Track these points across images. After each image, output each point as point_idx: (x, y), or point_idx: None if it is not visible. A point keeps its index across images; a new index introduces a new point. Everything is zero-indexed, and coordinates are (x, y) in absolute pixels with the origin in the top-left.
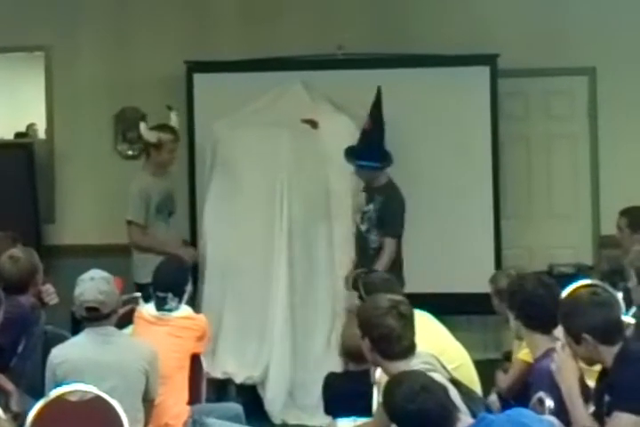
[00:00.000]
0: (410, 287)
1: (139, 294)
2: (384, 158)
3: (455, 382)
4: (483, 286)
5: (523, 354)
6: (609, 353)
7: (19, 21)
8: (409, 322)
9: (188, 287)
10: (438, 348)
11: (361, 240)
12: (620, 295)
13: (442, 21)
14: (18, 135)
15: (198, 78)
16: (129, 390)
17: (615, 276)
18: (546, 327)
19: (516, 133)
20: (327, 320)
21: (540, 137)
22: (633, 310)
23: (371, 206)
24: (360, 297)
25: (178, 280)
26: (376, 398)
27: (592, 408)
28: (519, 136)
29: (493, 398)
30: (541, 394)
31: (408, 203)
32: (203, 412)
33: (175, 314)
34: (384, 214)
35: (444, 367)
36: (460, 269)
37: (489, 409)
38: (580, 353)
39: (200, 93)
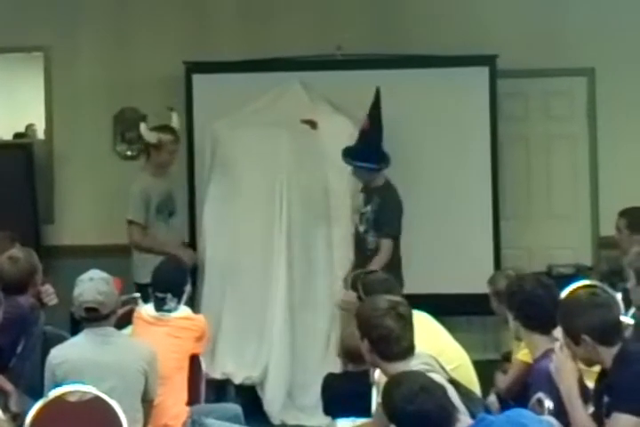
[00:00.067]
0: (409, 288)
1: (138, 295)
2: (382, 160)
3: (454, 382)
4: (482, 287)
5: (522, 355)
6: (608, 354)
7: (18, 22)
8: (408, 323)
9: (187, 288)
10: (437, 348)
11: (359, 241)
12: (619, 296)
13: (441, 22)
14: (17, 136)
15: (197, 79)
16: (128, 391)
17: (614, 276)
18: (545, 328)
19: (515, 134)
20: (326, 321)
21: (539, 137)
22: (632, 310)
23: (368, 208)
24: (359, 297)
25: (177, 281)
26: (375, 398)
27: (591, 409)
28: (518, 137)
29: (492, 398)
30: (540, 395)
31: (407, 203)
32: (202, 412)
33: (174, 314)
34: (380, 215)
35: (443, 368)
36: (460, 269)
37: (488, 410)
38: (579, 354)
39: (199, 94)
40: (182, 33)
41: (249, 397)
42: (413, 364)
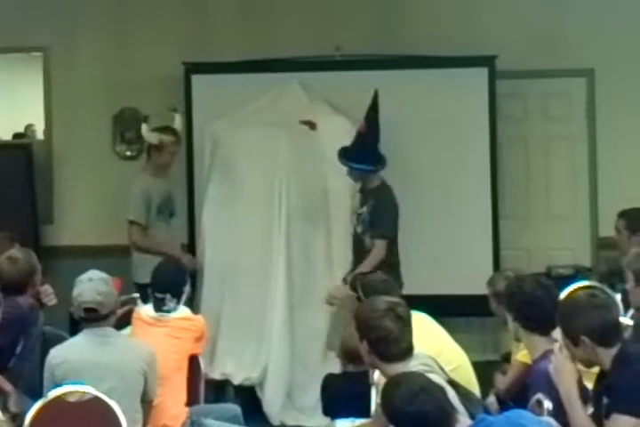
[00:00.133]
0: (408, 289)
1: (137, 295)
2: (378, 162)
3: (453, 383)
4: (481, 288)
5: (521, 356)
6: (607, 355)
7: (17, 22)
8: (406, 324)
9: (187, 288)
10: (436, 349)
11: (357, 242)
12: (618, 297)
13: (440, 23)
14: (16, 136)
15: (197, 79)
16: (127, 391)
17: (613, 277)
18: (544, 329)
19: (514, 135)
20: (325, 321)
21: (538, 138)
22: (631, 311)
23: (364, 209)
24: (358, 298)
25: (176, 281)
26: (374, 399)
27: (590, 410)
28: (517, 137)
29: (492, 399)
30: (540, 396)
31: (407, 204)
32: (201, 413)
33: (173, 315)
34: (375, 216)
35: (442, 369)
36: (459, 270)
37: (487, 411)
38: (578, 355)
39: (198, 94)
40: (182, 33)
41: (248, 397)
42: (412, 365)
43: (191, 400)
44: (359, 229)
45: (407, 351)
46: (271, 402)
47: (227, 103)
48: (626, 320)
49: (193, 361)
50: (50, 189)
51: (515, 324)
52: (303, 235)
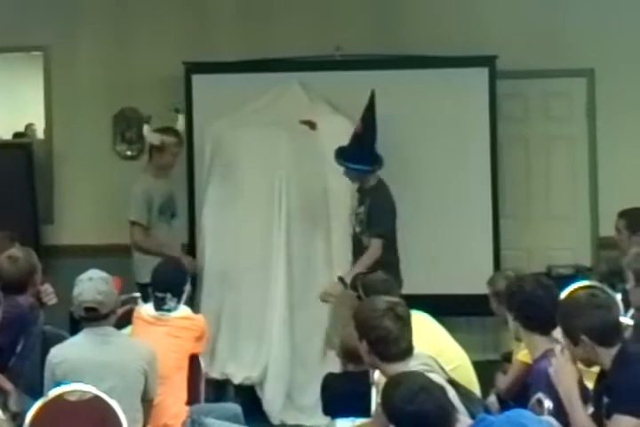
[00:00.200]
0: (408, 288)
1: (137, 294)
2: (375, 162)
3: (453, 383)
4: (481, 287)
5: (522, 355)
6: (606, 355)
7: (17, 21)
8: (406, 324)
9: (187, 287)
10: (436, 349)
11: (356, 241)
12: (618, 297)
13: (440, 23)
14: (16, 135)
15: (197, 79)
16: (128, 391)
17: (614, 277)
18: (544, 328)
19: (514, 135)
20: (325, 320)
21: (538, 138)
22: (631, 311)
23: (362, 208)
24: (359, 297)
25: (176, 280)
26: (375, 398)
27: (591, 409)
28: (518, 137)
29: (492, 399)
30: (540, 395)
31: (407, 204)
32: (201, 412)
33: (174, 314)
34: (371, 216)
35: (442, 368)
36: (459, 270)
37: (488, 410)
38: (578, 354)
39: (198, 94)
40: (182, 33)
41: (248, 397)
42: (412, 364)
43: (191, 399)
44: (357, 229)
45: (407, 351)
46: (271, 401)
47: (227, 103)
48: (626, 320)
49: (193, 360)
50: (50, 189)
51: (515, 323)
52: (303, 234)
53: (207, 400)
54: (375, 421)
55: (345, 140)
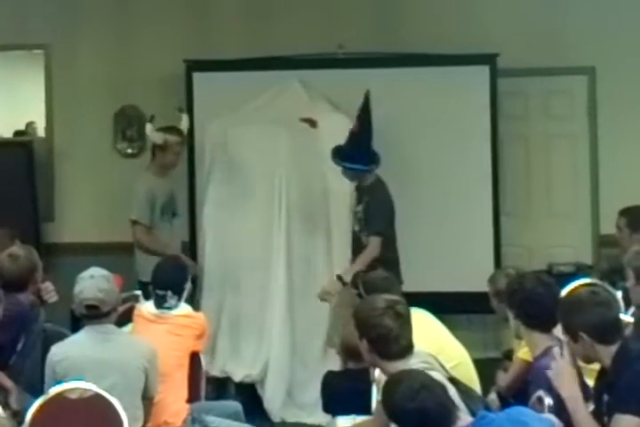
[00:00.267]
0: (409, 286)
1: (138, 292)
2: (372, 161)
3: (454, 380)
4: (482, 285)
5: (522, 353)
6: (606, 352)
7: (19, 19)
8: (406, 322)
9: (188, 285)
10: (436, 346)
11: (355, 240)
12: (619, 294)
13: (441, 21)
14: (17, 133)
15: (198, 77)
16: (128, 388)
17: (614, 275)
18: (545, 326)
19: (515, 133)
20: (325, 319)
21: (539, 136)
22: (632, 309)
23: (360, 207)
24: (359, 295)
25: (177, 278)
26: (375, 396)
27: (591, 407)
28: (518, 135)
29: (493, 396)
30: (541, 392)
31: (408, 202)
32: (202, 410)
33: (174, 312)
34: (369, 213)
35: (443, 366)
36: (460, 267)
37: (488, 408)
38: (577, 351)
39: (199, 92)
40: (183, 31)
41: (249, 394)
42: (413, 362)
43: (192, 397)
44: (357, 228)
45: (407, 349)
46: (272, 399)
47: (228, 101)
48: (627, 318)
49: (194, 358)
50: (51, 187)
51: (516, 321)
52: (303, 233)
53: (207, 398)
54: (376, 418)
55: (345, 139)
